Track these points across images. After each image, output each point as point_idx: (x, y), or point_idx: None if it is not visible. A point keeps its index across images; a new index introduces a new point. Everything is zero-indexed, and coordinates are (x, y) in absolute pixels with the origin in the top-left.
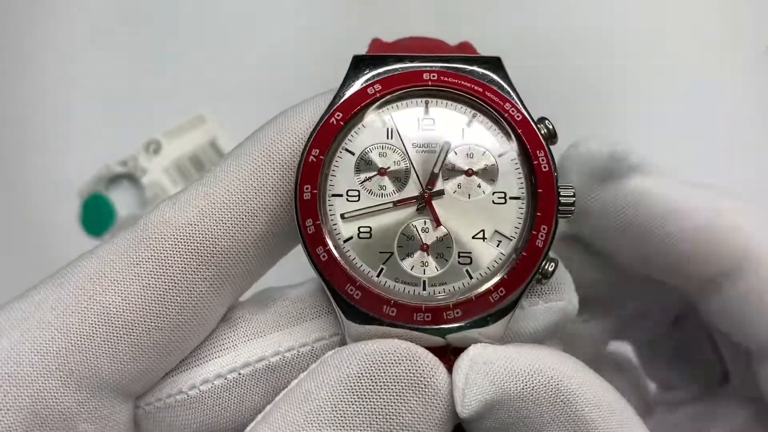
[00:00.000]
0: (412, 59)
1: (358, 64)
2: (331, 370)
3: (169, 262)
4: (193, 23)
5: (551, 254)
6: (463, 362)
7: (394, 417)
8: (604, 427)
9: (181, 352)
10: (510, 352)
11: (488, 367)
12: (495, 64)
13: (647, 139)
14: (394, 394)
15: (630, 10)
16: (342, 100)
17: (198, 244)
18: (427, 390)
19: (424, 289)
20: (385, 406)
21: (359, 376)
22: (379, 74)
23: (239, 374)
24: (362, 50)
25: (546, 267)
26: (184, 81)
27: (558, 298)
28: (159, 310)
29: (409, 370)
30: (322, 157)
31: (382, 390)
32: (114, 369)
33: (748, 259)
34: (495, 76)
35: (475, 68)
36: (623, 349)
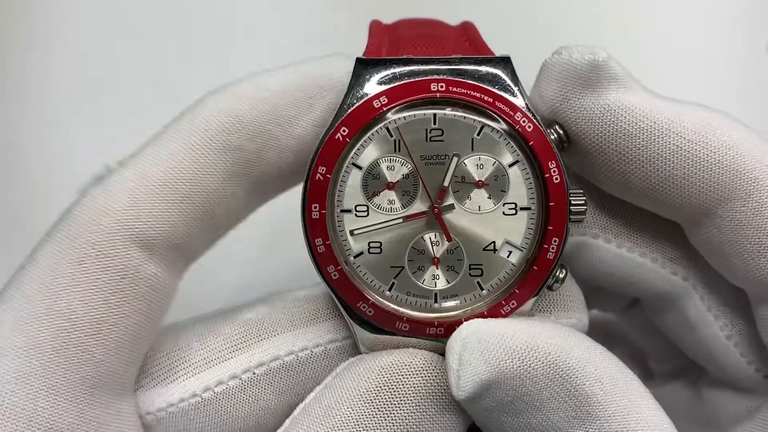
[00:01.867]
0: (418, 62)
1: (363, 68)
2: (350, 384)
3: (112, 251)
4: (195, 26)
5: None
6: (455, 342)
7: (414, 426)
8: (607, 400)
9: (149, 336)
10: (504, 328)
11: (482, 345)
12: (504, 64)
13: None
14: (413, 404)
15: (629, 9)
16: (347, 114)
17: (137, 228)
18: (444, 398)
19: (436, 301)
20: (405, 416)
21: (378, 390)
22: (383, 79)
23: (253, 374)
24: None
25: (558, 274)
26: (185, 81)
27: (568, 316)
28: (117, 302)
29: (427, 380)
30: (329, 175)
31: (401, 401)
32: (94, 371)
33: (743, 182)
34: (505, 77)
35: (483, 69)
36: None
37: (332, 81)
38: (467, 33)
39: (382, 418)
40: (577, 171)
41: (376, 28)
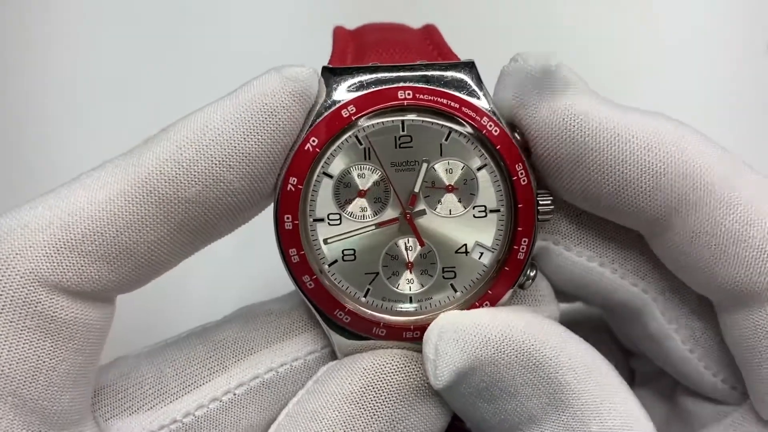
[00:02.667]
0: (384, 69)
1: (328, 78)
2: (334, 388)
3: (32, 298)
4: (199, 25)
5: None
6: (432, 333)
7: (401, 421)
8: (580, 389)
9: (92, 368)
10: (480, 317)
11: (458, 335)
12: (469, 68)
13: None
14: (398, 401)
15: (629, 9)
16: (315, 124)
17: (58, 277)
18: (428, 391)
19: (411, 302)
20: (391, 413)
21: (363, 391)
22: (351, 87)
23: (234, 394)
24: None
25: (528, 273)
26: (187, 79)
27: (541, 310)
28: (50, 347)
29: (409, 376)
30: (300, 186)
31: (387, 399)
32: (39, 418)
33: (695, 189)
34: (470, 82)
35: (448, 73)
36: None
37: (274, 101)
38: (430, 36)
39: (370, 418)
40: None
41: (340, 34)
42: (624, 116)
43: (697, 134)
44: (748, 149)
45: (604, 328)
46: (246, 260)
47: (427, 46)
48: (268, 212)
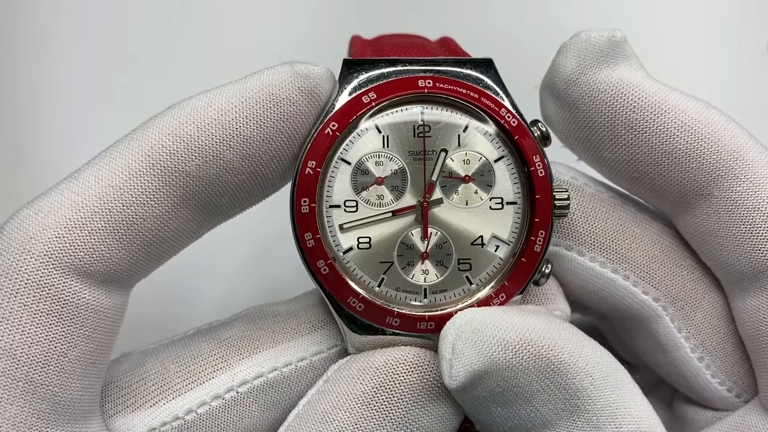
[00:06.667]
0: (404, 62)
1: (350, 69)
2: (345, 388)
3: (47, 281)
4: (197, 27)
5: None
6: (449, 332)
7: (414, 423)
8: (596, 395)
9: (103, 358)
10: (498, 318)
11: (476, 336)
12: (487, 65)
13: None
14: (411, 402)
15: (628, 9)
16: (336, 110)
17: (71, 257)
18: (441, 392)
19: (425, 296)
20: (403, 415)
21: (375, 391)
22: (371, 79)
23: (237, 392)
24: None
25: (543, 269)
26: (186, 80)
27: (554, 308)
28: (62, 332)
29: (422, 376)
30: (319, 169)
31: (399, 400)
32: (49, 404)
33: (740, 162)
34: (486, 79)
35: (466, 71)
36: None
37: (280, 92)
38: (446, 44)
39: (381, 419)
40: (584, 152)
41: (357, 40)
42: (674, 93)
43: (738, 124)
44: None
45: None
46: (260, 266)
47: (444, 51)
48: (283, 216)
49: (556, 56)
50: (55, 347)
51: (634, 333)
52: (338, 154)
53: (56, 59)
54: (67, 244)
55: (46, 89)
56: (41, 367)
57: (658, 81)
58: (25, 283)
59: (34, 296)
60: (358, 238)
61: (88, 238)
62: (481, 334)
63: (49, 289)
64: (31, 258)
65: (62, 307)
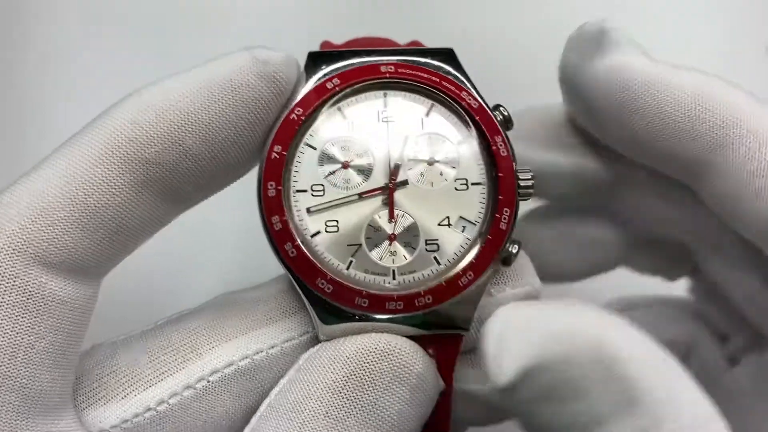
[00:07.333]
0: (368, 53)
1: (315, 61)
2: (316, 377)
3: (10, 272)
4: (198, 23)
5: (513, 236)
6: (493, 326)
7: (385, 409)
8: (652, 386)
9: (73, 350)
10: (543, 311)
11: (526, 327)
12: (448, 55)
13: None
14: (382, 389)
15: (627, 9)
16: (301, 96)
17: (34, 248)
18: (411, 378)
19: (394, 278)
20: (375, 402)
21: (346, 380)
22: (336, 69)
23: (208, 382)
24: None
25: (510, 249)
26: None
27: (522, 283)
28: (28, 324)
29: (393, 363)
30: (284, 153)
31: (370, 388)
32: (17, 396)
33: (736, 129)
34: (449, 68)
35: (429, 60)
36: None
37: (239, 77)
38: (413, 44)
39: (353, 406)
40: (601, 137)
41: (327, 44)
42: (672, 69)
43: (745, 91)
44: None
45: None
46: (255, 262)
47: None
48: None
49: (564, 49)
50: (22, 338)
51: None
52: (304, 139)
53: (56, 59)
54: (30, 236)
55: (46, 88)
56: (8, 359)
57: (654, 60)
58: None
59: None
60: (326, 222)
61: (50, 228)
62: (529, 326)
63: (14, 281)
64: None
65: (27, 298)
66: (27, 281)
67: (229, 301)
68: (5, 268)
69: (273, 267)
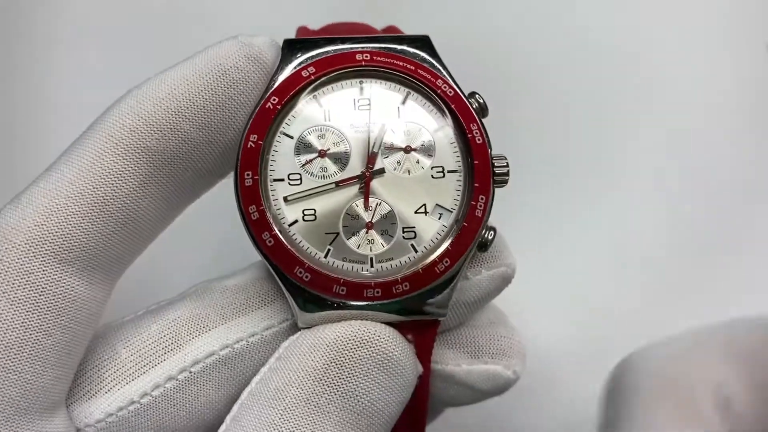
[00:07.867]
0: (343, 41)
1: (291, 48)
2: (296, 365)
3: (26, 268)
4: (200, 25)
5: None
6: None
7: (365, 395)
8: None
9: (78, 350)
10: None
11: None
12: (424, 42)
13: (645, 140)
14: (362, 375)
15: (627, 9)
16: (277, 84)
17: (50, 243)
18: (391, 364)
19: (372, 266)
20: (355, 388)
21: (326, 367)
22: (311, 57)
23: (190, 372)
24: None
25: (486, 235)
26: None
27: (498, 264)
28: (38, 320)
29: (372, 350)
30: (260, 142)
31: (350, 374)
32: (21, 392)
33: None
34: (425, 55)
35: (405, 47)
36: None
37: (228, 62)
38: (390, 30)
39: (333, 393)
40: None
41: (303, 30)
42: None
43: None
44: (748, 150)
45: None
46: (232, 249)
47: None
48: None
49: None
50: (30, 334)
51: None
52: (280, 128)
53: (56, 59)
54: (46, 232)
55: (46, 89)
56: (15, 353)
57: None
58: (6, 272)
59: (13, 284)
60: (303, 210)
61: (64, 224)
62: None
63: (29, 277)
64: (12, 248)
65: (40, 295)
66: (41, 277)
67: (207, 289)
68: (20, 265)
69: (250, 253)
